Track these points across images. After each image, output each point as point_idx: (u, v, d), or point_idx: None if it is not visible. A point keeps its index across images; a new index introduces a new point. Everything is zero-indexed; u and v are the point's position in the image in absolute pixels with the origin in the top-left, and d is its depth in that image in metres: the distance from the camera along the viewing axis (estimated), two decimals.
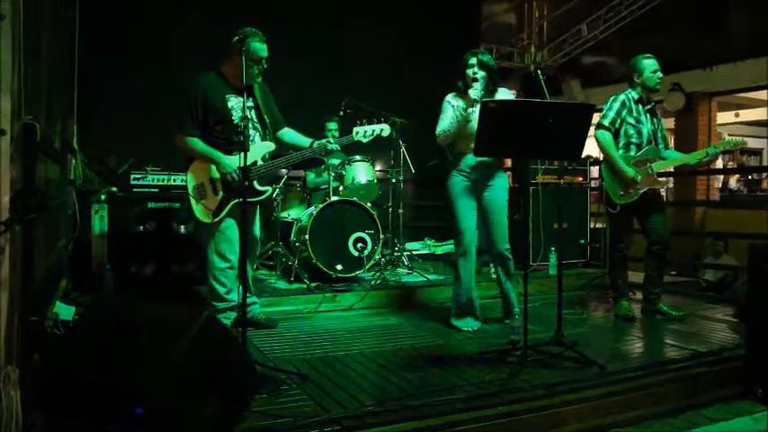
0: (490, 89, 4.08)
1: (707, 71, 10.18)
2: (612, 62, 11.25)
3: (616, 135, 4.55)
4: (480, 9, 9.71)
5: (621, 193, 4.48)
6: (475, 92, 3.95)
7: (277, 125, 4.07)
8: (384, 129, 4.09)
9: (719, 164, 11.38)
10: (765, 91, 10.61)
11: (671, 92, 10.40)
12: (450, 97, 4.15)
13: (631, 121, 4.53)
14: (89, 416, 2.15)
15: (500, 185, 4.18)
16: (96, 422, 2.13)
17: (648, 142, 4.55)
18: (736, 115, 13.36)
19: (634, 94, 4.57)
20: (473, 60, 4.03)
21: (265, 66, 3.78)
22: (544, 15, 11.89)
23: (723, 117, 12.20)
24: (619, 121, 4.53)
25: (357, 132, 4.04)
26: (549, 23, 11.89)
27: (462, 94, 4.07)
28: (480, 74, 4.00)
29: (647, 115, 4.59)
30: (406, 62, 7.85)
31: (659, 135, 4.64)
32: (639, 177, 4.42)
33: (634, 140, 4.54)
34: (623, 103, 4.54)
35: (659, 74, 4.52)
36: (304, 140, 4.05)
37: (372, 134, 4.05)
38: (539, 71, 3.90)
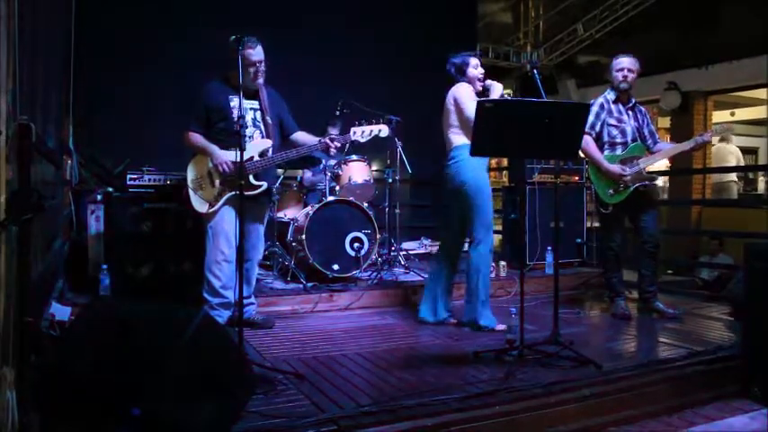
0: None
1: (702, 70, 10.18)
2: (608, 62, 11.24)
3: (599, 138, 4.58)
4: (476, 8, 9.70)
5: (611, 192, 4.51)
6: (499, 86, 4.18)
7: (289, 129, 4.19)
8: (382, 130, 4.09)
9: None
10: (761, 90, 10.62)
11: (666, 91, 10.41)
12: (470, 87, 4.22)
13: (613, 121, 4.57)
14: (86, 417, 2.15)
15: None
16: (93, 423, 2.12)
17: (634, 140, 4.58)
18: (732, 114, 13.36)
19: (611, 95, 4.62)
20: (476, 61, 4.27)
21: (261, 68, 3.89)
22: (540, 15, 11.88)
23: (719, 116, 12.21)
24: (599, 124, 4.58)
25: (354, 132, 4.04)
26: (545, 23, 11.88)
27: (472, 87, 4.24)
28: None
29: (629, 113, 4.62)
30: (402, 62, 7.84)
31: (645, 131, 4.66)
32: (628, 171, 4.44)
33: (618, 140, 4.58)
34: (601, 106, 4.60)
35: (625, 72, 4.56)
36: (313, 140, 4.10)
37: (370, 134, 4.06)
38: (534, 70, 3.92)
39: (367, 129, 4.05)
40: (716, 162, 10.18)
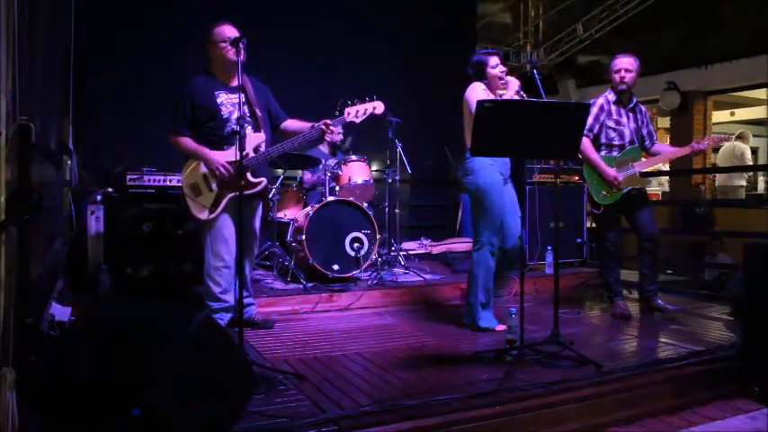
0: None
1: (702, 70, 10.20)
2: (608, 61, 11.24)
3: (597, 139, 4.58)
4: (476, 8, 9.71)
5: (604, 193, 4.51)
6: (516, 80, 4.06)
7: (278, 119, 4.05)
8: (377, 106, 3.90)
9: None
10: (761, 89, 10.63)
11: (666, 90, 10.42)
12: (483, 86, 4.13)
13: (611, 123, 4.56)
14: (86, 417, 2.15)
15: (514, 179, 4.06)
16: (93, 423, 2.12)
17: (631, 142, 4.57)
18: (732, 114, 13.38)
19: (611, 96, 4.60)
20: (496, 60, 4.14)
21: (241, 47, 3.53)
22: (540, 14, 11.90)
23: (719, 116, 12.22)
24: (597, 126, 4.56)
25: (348, 113, 3.86)
26: (545, 22, 11.89)
27: (490, 88, 4.14)
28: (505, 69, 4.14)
29: (629, 115, 4.61)
30: (402, 62, 7.86)
31: (644, 131, 4.66)
32: (622, 176, 4.44)
33: (616, 142, 4.57)
34: (601, 108, 4.57)
35: (622, 73, 4.53)
36: (306, 126, 3.94)
37: (365, 114, 3.86)
38: (534, 70, 3.91)
39: (361, 108, 3.87)
40: (722, 161, 10.10)
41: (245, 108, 3.82)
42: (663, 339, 4.05)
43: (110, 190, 4.89)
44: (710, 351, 3.65)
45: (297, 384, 3.02)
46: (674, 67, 10.34)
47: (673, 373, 3.36)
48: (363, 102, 3.89)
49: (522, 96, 4.02)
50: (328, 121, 3.80)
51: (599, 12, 10.64)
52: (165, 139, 3.85)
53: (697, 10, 9.76)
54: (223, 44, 3.72)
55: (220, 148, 3.77)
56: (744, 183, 9.97)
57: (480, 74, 4.16)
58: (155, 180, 4.84)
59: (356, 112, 3.86)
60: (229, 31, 3.73)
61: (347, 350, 3.69)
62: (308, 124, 3.91)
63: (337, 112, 5.81)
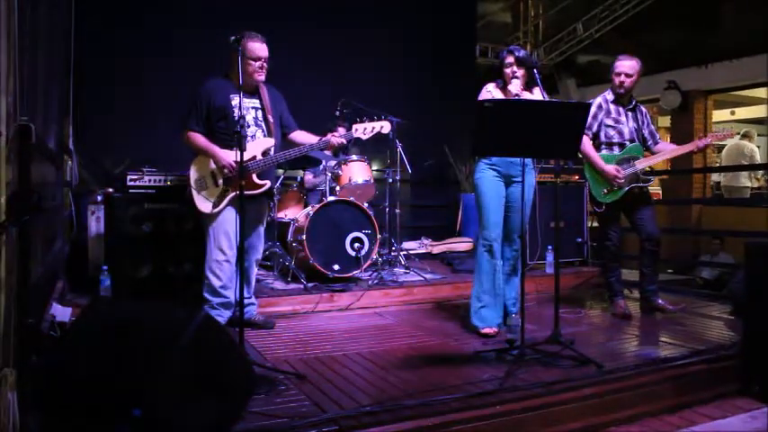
0: (530, 86, 4.04)
1: (702, 69, 10.20)
2: (608, 61, 11.23)
3: (597, 138, 4.58)
4: (476, 8, 9.70)
5: (605, 191, 4.51)
6: (515, 87, 3.89)
7: (288, 128, 4.17)
8: (384, 126, 4.05)
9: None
10: (761, 89, 10.62)
11: (666, 90, 10.42)
12: (491, 87, 4.08)
13: (610, 122, 4.55)
14: (86, 417, 2.15)
15: (528, 183, 3.71)
16: (93, 423, 2.12)
17: (631, 140, 4.57)
18: (732, 113, 13.36)
19: (610, 96, 4.60)
20: (510, 59, 3.96)
21: (265, 65, 3.87)
22: (540, 14, 11.89)
23: (719, 115, 12.21)
24: (596, 124, 4.56)
25: (356, 129, 4.03)
26: (545, 22, 11.89)
27: (501, 88, 4.06)
28: (519, 72, 3.93)
29: (629, 114, 4.60)
30: (402, 62, 7.85)
31: (645, 132, 4.66)
32: (623, 173, 4.43)
33: (616, 140, 4.56)
34: (599, 107, 4.57)
35: (622, 77, 4.50)
36: (314, 139, 4.10)
37: (372, 131, 4.03)
38: (534, 70, 3.90)
39: (369, 125, 4.02)
40: (727, 160, 10.06)
41: (259, 113, 3.98)
42: (663, 339, 4.05)
43: (110, 190, 4.88)
44: (711, 350, 3.65)
45: (297, 384, 3.02)
46: (674, 67, 10.33)
47: (673, 373, 3.36)
48: (372, 120, 4.07)
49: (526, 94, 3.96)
50: (336, 134, 4.01)
51: (599, 11, 10.64)
52: (179, 136, 3.93)
53: (697, 10, 9.75)
54: (251, 61, 3.80)
55: (230, 148, 3.81)
56: (749, 183, 9.92)
57: (498, 74, 4.07)
58: (155, 180, 4.82)
59: (364, 130, 4.03)
60: (260, 50, 3.82)
61: (348, 350, 3.69)
62: (316, 138, 4.06)
63: (338, 112, 5.85)
